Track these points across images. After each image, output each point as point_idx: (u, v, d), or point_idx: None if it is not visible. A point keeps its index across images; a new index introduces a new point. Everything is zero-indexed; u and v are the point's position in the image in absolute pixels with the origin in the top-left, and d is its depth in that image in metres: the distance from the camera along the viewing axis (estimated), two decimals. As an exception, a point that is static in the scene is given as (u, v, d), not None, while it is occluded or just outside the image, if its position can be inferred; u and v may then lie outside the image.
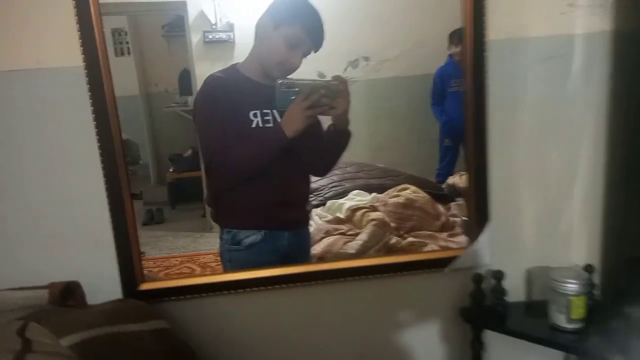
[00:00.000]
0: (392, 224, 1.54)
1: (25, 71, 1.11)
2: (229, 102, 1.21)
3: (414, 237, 1.49)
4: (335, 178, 1.83)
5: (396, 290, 1.36)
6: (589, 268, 1.29)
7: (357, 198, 1.67)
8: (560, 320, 1.24)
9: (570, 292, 1.22)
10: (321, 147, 1.29)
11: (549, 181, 1.35)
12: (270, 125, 1.22)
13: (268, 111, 1.23)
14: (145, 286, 1.21)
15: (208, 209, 1.59)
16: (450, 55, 1.92)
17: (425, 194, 1.61)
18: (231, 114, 1.20)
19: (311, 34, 1.21)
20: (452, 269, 1.31)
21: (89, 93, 1.11)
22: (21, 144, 1.13)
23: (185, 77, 1.90)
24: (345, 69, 1.96)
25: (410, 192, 1.61)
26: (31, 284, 1.03)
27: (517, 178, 1.34)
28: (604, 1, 1.24)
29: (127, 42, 1.97)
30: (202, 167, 1.35)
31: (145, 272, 1.24)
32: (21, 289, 0.99)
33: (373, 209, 1.59)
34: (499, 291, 1.30)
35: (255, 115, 1.22)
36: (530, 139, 1.32)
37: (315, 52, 1.24)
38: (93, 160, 1.14)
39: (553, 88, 1.31)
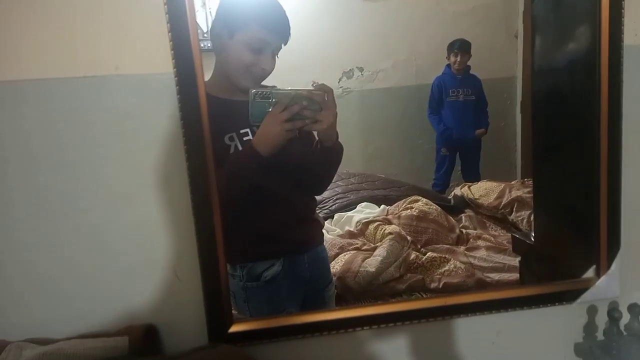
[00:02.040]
0: (409, 238, 1.52)
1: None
2: None
3: (433, 251, 1.47)
4: (339, 190, 1.78)
5: (515, 327, 1.24)
6: None
7: (366, 210, 1.63)
8: None
9: None
10: (312, 161, 1.14)
11: None
12: None
13: (246, 130, 1.07)
14: (236, 327, 1.00)
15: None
16: (448, 65, 1.94)
17: (437, 206, 1.59)
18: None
19: (273, 29, 1.06)
20: (582, 302, 1.18)
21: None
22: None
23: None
24: (340, 80, 1.93)
25: (423, 204, 1.59)
26: (90, 330, 0.88)
27: None
28: None
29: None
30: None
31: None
32: (93, 336, 0.82)
33: (387, 222, 1.56)
34: (636, 327, 1.14)
35: (231, 139, 1.07)
36: None
37: (285, 44, 1.08)
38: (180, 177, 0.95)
39: None
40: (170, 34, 0.90)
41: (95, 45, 0.94)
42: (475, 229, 1.60)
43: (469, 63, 1.86)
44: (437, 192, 1.86)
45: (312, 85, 1.06)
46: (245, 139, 1.08)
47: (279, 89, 1.04)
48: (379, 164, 2.09)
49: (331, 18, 1.74)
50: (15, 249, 0.93)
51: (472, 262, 1.41)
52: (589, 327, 1.21)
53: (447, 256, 1.43)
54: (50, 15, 0.89)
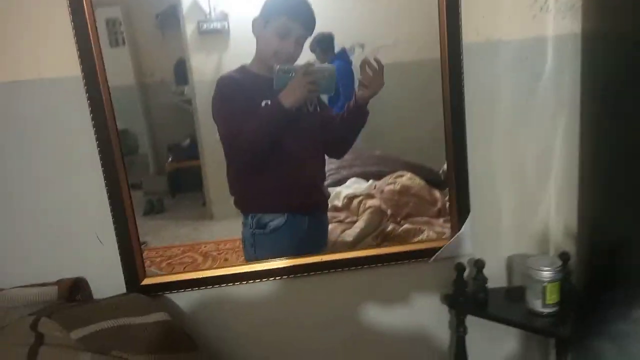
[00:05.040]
0: (388, 211, 1.58)
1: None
2: (241, 95, 1.35)
3: (410, 223, 1.53)
4: (332, 166, 1.85)
5: (385, 279, 1.44)
6: (564, 256, 1.36)
7: (354, 186, 1.70)
8: (536, 305, 1.33)
9: (545, 279, 1.31)
10: (334, 125, 1.42)
11: (525, 174, 1.44)
12: None
13: (276, 98, 1.34)
14: (147, 281, 1.34)
15: (208, 198, 1.62)
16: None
17: (421, 181, 1.65)
18: (244, 105, 1.34)
19: (298, 20, 1.32)
20: (437, 259, 1.37)
21: (86, 94, 1.13)
22: (25, 148, 1.17)
23: (181, 67, 1.90)
24: (354, 51, 1.96)
25: (407, 178, 1.64)
26: (40, 281, 1.08)
27: (495, 171, 1.43)
28: (574, 5, 1.29)
29: (122, 32, 1.97)
30: (226, 161, 1.44)
31: (148, 262, 1.30)
32: (32, 285, 1.04)
33: (369, 196, 1.62)
34: (480, 279, 1.36)
35: (266, 104, 1.35)
36: (508, 135, 1.41)
37: (311, 35, 1.34)
38: (92, 157, 1.19)
39: (527, 88, 1.39)
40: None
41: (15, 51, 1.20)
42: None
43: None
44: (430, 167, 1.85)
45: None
46: None
47: (297, 65, 1.34)
48: (379, 141, 2.10)
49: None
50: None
51: (446, 231, 1.45)
52: (452, 280, 1.44)
53: (422, 227, 1.48)
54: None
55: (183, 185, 2.12)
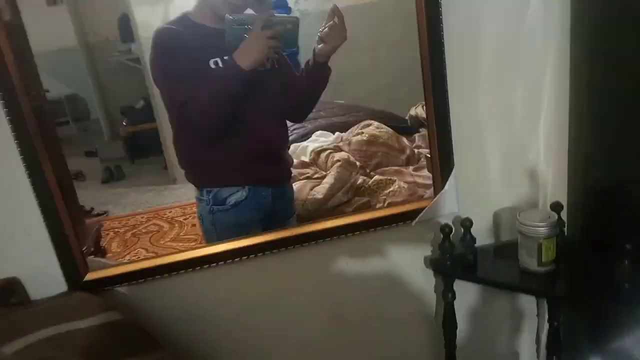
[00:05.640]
0: (358, 163, 1.53)
1: None
2: (185, 53, 1.15)
3: (380, 174, 1.49)
4: (296, 120, 1.78)
5: (367, 247, 1.36)
6: (557, 207, 1.25)
7: (320, 139, 1.64)
8: (531, 264, 1.20)
9: (540, 235, 1.17)
10: (295, 87, 1.26)
11: (513, 117, 1.33)
12: None
13: (230, 57, 1.15)
14: (91, 276, 1.13)
15: (169, 161, 1.54)
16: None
17: (388, 129, 1.59)
18: (190, 65, 1.14)
19: None
20: (420, 220, 1.29)
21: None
22: None
23: (125, 23, 1.77)
24: (296, 1, 1.86)
25: (374, 128, 1.58)
26: None
27: (480, 118, 1.31)
28: None
29: (59, -12, 1.80)
30: (172, 131, 1.27)
31: (111, 234, 1.19)
32: None
33: (337, 149, 1.56)
34: (468, 240, 1.27)
35: (215, 63, 1.15)
36: (493, 75, 1.29)
37: None
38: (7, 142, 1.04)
39: (513, 21, 1.26)
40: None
41: None
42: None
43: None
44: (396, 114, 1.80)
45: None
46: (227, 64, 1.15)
47: (255, 15, 1.12)
48: (342, 89, 2.02)
49: None
50: None
51: (417, 180, 1.42)
52: (438, 244, 1.31)
53: (392, 178, 1.45)
54: None
55: (142, 149, 2.03)
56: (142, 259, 1.32)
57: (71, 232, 1.10)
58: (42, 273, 1.09)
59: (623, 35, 1.14)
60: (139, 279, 1.18)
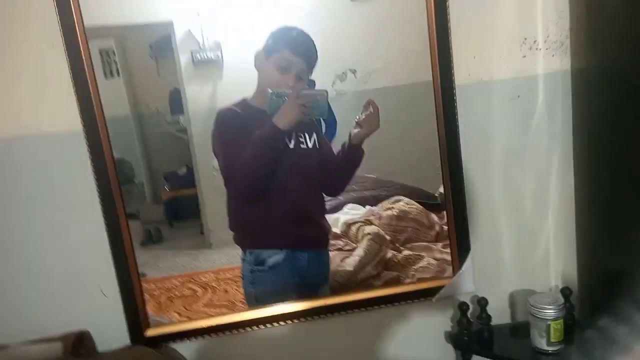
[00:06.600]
0: (388, 237, 1.57)
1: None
2: (241, 129, 1.31)
3: (410, 249, 1.53)
4: (330, 192, 1.85)
5: (393, 319, 1.42)
6: (566, 291, 1.35)
7: (352, 212, 1.70)
8: (541, 343, 1.31)
9: (548, 317, 1.29)
10: (332, 165, 1.41)
11: (524, 209, 1.45)
12: None
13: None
14: (151, 332, 1.29)
15: (206, 226, 1.62)
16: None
17: (418, 205, 1.64)
18: (245, 140, 1.29)
19: (299, 54, 1.31)
20: (439, 298, 1.36)
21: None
22: (24, 201, 1.17)
23: (176, 97, 1.91)
24: (334, 83, 1.98)
25: (404, 203, 1.64)
26: (43, 334, 1.07)
27: (494, 208, 1.42)
28: (563, 43, 1.32)
29: (116, 62, 1.97)
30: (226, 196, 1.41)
31: (146, 296, 1.28)
32: (36, 341, 1.02)
33: (368, 222, 1.62)
34: (484, 318, 1.35)
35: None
36: (504, 172, 1.43)
37: (312, 70, 1.35)
38: (94, 209, 1.21)
39: (521, 125, 1.41)
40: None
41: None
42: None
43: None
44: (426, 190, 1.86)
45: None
46: None
47: (290, 90, 1.31)
48: (374, 164, 2.09)
49: (320, 22, 1.78)
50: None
51: (445, 257, 1.45)
52: (456, 320, 1.41)
53: (421, 253, 1.48)
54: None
55: (181, 213, 2.13)
56: (195, 319, 1.46)
57: (138, 290, 1.27)
58: (109, 327, 1.24)
59: (622, 135, 1.23)
60: (190, 337, 1.35)
